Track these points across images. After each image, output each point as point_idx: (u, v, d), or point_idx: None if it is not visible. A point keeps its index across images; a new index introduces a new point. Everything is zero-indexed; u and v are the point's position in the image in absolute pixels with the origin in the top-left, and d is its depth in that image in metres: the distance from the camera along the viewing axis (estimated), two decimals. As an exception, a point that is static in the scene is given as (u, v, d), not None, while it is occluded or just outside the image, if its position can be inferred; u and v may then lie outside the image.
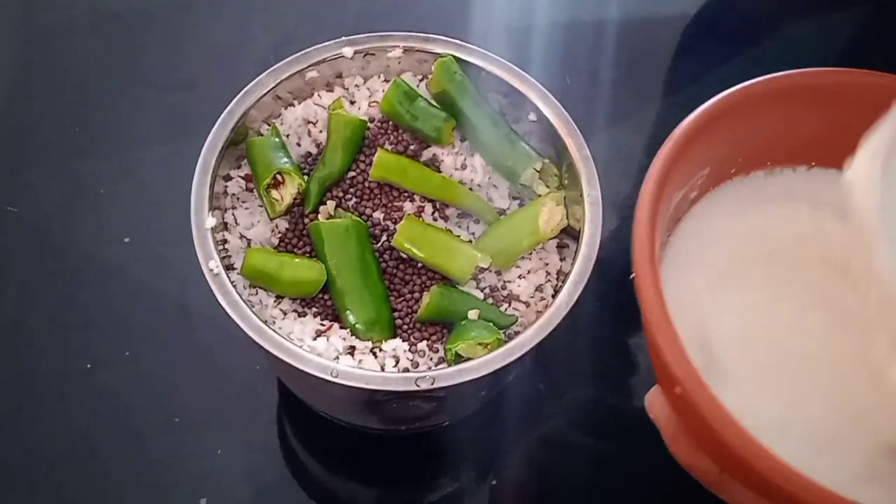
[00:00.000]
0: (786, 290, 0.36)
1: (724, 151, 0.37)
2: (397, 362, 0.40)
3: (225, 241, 0.42)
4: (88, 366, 0.50)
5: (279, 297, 0.42)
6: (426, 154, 0.45)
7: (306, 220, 0.44)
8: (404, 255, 0.43)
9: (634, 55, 0.64)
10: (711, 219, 0.38)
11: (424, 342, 0.41)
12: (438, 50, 0.46)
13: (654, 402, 0.36)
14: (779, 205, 0.38)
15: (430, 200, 0.44)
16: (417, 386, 0.37)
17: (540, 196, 0.44)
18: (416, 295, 0.43)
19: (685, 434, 0.34)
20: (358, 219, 0.43)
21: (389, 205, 0.44)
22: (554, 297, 0.41)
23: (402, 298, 0.43)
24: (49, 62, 0.62)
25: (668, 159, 0.34)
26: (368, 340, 0.41)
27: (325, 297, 0.42)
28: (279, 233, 0.44)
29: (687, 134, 0.34)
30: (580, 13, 0.66)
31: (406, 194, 0.44)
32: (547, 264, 0.44)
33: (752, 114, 0.36)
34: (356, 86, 0.47)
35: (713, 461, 0.33)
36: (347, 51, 0.45)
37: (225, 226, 0.43)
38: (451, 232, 0.44)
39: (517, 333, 0.39)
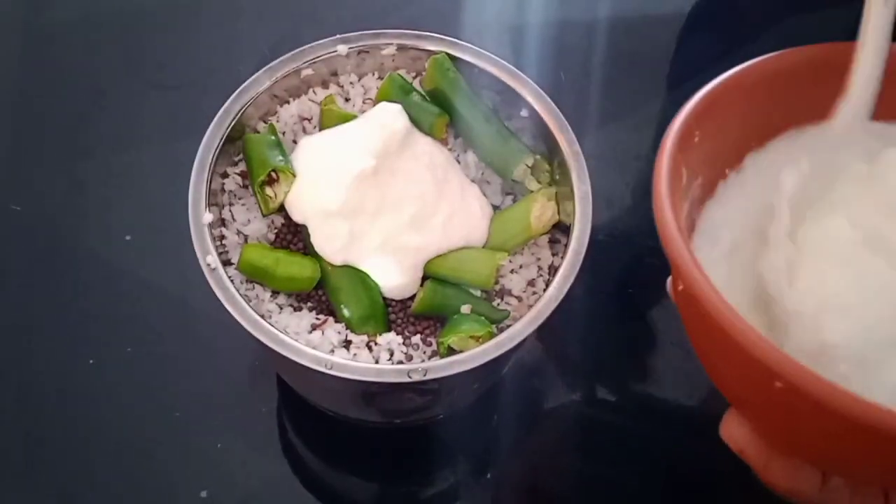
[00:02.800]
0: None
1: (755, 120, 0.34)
2: (392, 355, 0.41)
3: (222, 237, 0.43)
4: (91, 362, 0.51)
5: (275, 292, 0.42)
6: (420, 150, 0.46)
7: (301, 217, 0.44)
8: (398, 250, 0.43)
9: (629, 52, 0.65)
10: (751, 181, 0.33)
11: (418, 336, 0.42)
12: (431, 47, 0.46)
13: (733, 428, 0.30)
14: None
15: (424, 196, 0.45)
16: (410, 378, 0.37)
17: (532, 192, 0.44)
18: (410, 290, 0.43)
19: (779, 454, 0.29)
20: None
21: (384, 200, 0.45)
22: (545, 291, 0.41)
23: (396, 293, 0.43)
24: (49, 62, 0.62)
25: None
26: (363, 334, 0.41)
27: (320, 292, 0.43)
28: (275, 228, 0.44)
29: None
30: (574, 11, 0.67)
31: (400, 190, 0.45)
32: (539, 259, 0.44)
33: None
34: (351, 83, 0.47)
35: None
36: (342, 49, 0.46)
37: (222, 222, 0.43)
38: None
39: (509, 327, 0.40)
